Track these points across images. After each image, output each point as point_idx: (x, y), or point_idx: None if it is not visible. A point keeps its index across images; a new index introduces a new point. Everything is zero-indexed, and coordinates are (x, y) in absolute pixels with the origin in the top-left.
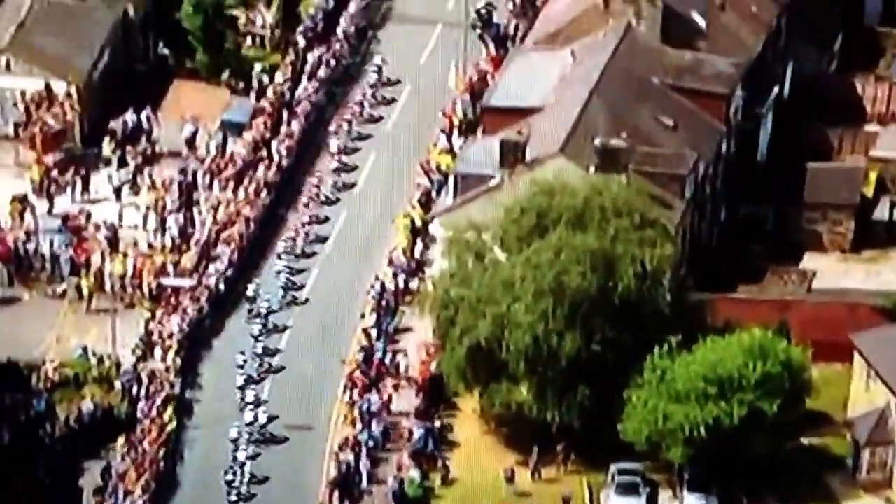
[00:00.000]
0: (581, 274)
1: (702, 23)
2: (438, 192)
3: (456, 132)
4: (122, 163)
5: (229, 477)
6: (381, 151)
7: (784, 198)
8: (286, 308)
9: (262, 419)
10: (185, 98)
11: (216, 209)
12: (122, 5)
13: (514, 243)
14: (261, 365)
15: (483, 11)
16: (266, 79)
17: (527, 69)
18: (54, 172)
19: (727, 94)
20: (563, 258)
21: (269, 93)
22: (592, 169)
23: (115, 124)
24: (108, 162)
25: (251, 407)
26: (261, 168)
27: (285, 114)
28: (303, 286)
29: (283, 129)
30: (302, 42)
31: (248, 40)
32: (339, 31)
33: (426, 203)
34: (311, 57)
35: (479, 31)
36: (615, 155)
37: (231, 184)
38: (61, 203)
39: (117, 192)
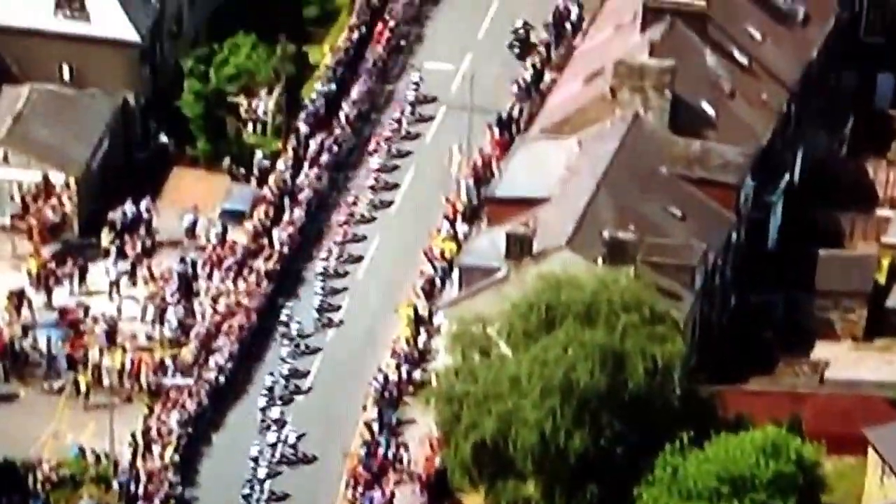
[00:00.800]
0: (590, 371)
1: (711, 111)
2: (442, 280)
3: (460, 218)
4: (121, 254)
5: (246, 491)
6: (385, 236)
7: (795, 285)
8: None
9: (292, 439)
10: (185, 186)
11: (216, 300)
12: (121, 94)
13: (520, 338)
14: (286, 387)
15: (521, 31)
16: (267, 165)
17: (533, 158)
18: (52, 264)
19: (736, 185)
20: (571, 354)
21: (271, 180)
22: (600, 261)
23: (114, 215)
24: (106, 253)
25: (274, 428)
26: (261, 257)
27: (286, 201)
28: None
29: (285, 216)
30: (304, 128)
31: (250, 127)
32: (342, 115)
33: (430, 291)
34: (313, 143)
35: (516, 51)
36: (623, 247)
37: (231, 274)
38: (59, 295)
39: (115, 284)
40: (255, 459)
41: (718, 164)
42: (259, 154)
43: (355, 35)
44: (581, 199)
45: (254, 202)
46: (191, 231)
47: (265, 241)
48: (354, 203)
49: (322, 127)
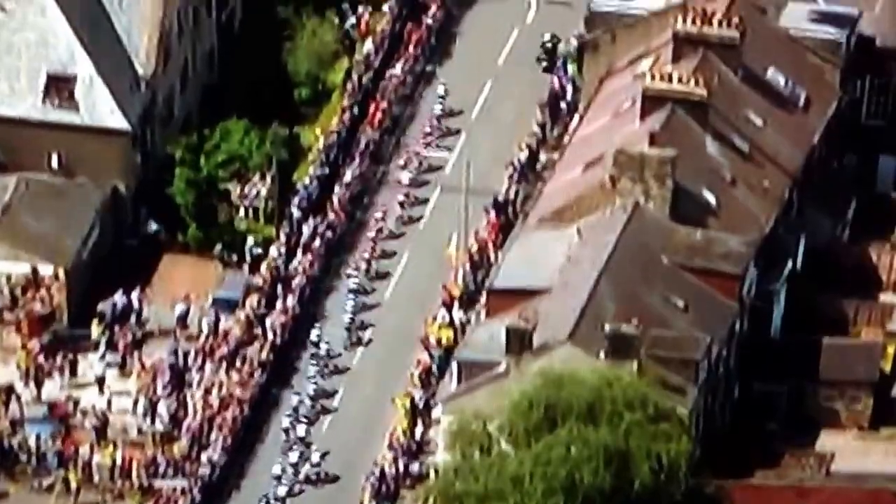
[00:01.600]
0: (594, 470)
1: (712, 200)
2: (440, 370)
3: (456, 305)
4: (111, 346)
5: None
6: (381, 322)
7: (799, 375)
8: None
9: (315, 458)
10: (176, 273)
11: (209, 392)
12: (111, 182)
13: (522, 436)
14: (313, 406)
15: (549, 45)
16: (260, 252)
17: (532, 248)
18: (41, 358)
19: (739, 274)
20: (574, 454)
21: (263, 267)
22: (603, 356)
23: (104, 306)
24: (96, 345)
25: (296, 446)
26: (254, 347)
27: (279, 288)
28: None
29: (278, 304)
30: (296, 213)
31: (241, 212)
32: (335, 199)
33: (427, 380)
34: (306, 228)
35: (543, 64)
36: (626, 341)
37: (224, 364)
38: (48, 389)
39: (105, 377)
40: (278, 478)
41: (721, 253)
42: (251, 240)
43: (347, 117)
44: (582, 291)
45: (246, 290)
46: (182, 320)
47: (258, 330)
48: (383, 218)
49: (315, 211)
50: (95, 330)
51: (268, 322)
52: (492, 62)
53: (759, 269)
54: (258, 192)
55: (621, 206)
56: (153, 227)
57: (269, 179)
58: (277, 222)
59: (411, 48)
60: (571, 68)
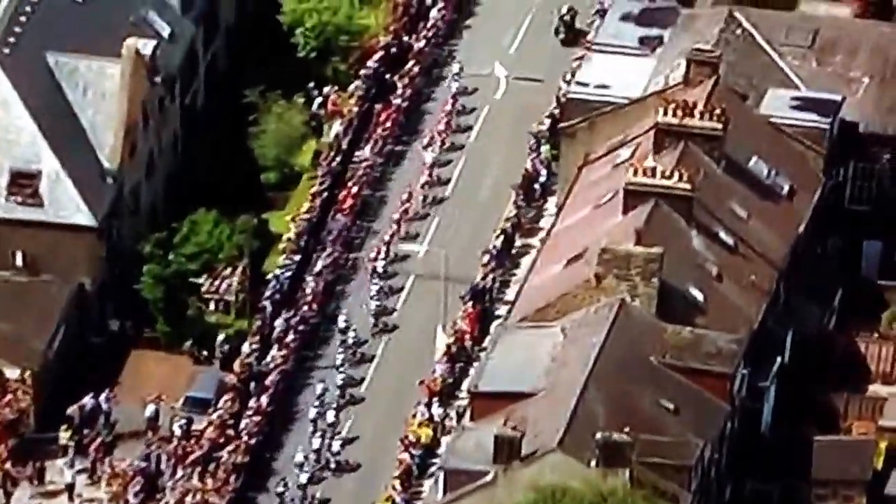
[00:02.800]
0: None
1: (699, 296)
2: (420, 470)
3: (436, 401)
4: (81, 450)
5: (280, 489)
6: (357, 421)
7: (792, 473)
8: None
9: (336, 447)
10: (145, 370)
11: (182, 498)
12: (77, 279)
13: None
14: (342, 396)
15: (567, 18)
16: (232, 347)
17: (515, 349)
18: (8, 465)
19: (730, 374)
20: None
21: (236, 365)
22: (594, 464)
23: (73, 410)
24: (65, 450)
25: (319, 434)
26: (229, 449)
27: (253, 386)
28: None
29: (252, 403)
30: (268, 306)
31: (212, 306)
32: (307, 289)
33: (407, 481)
34: (279, 321)
35: (561, 36)
36: (618, 450)
37: (198, 468)
38: (17, 497)
39: (75, 484)
40: (301, 465)
41: (710, 352)
42: (222, 335)
43: (318, 203)
44: (570, 395)
45: (219, 389)
46: (153, 422)
47: (232, 431)
48: (408, 199)
49: (287, 303)
50: (64, 435)
51: (242, 423)
52: (464, 137)
53: (749, 365)
54: (229, 285)
55: (606, 305)
56: (115, 325)
57: (239, 272)
58: (249, 316)
59: (381, 129)
60: (544, 149)
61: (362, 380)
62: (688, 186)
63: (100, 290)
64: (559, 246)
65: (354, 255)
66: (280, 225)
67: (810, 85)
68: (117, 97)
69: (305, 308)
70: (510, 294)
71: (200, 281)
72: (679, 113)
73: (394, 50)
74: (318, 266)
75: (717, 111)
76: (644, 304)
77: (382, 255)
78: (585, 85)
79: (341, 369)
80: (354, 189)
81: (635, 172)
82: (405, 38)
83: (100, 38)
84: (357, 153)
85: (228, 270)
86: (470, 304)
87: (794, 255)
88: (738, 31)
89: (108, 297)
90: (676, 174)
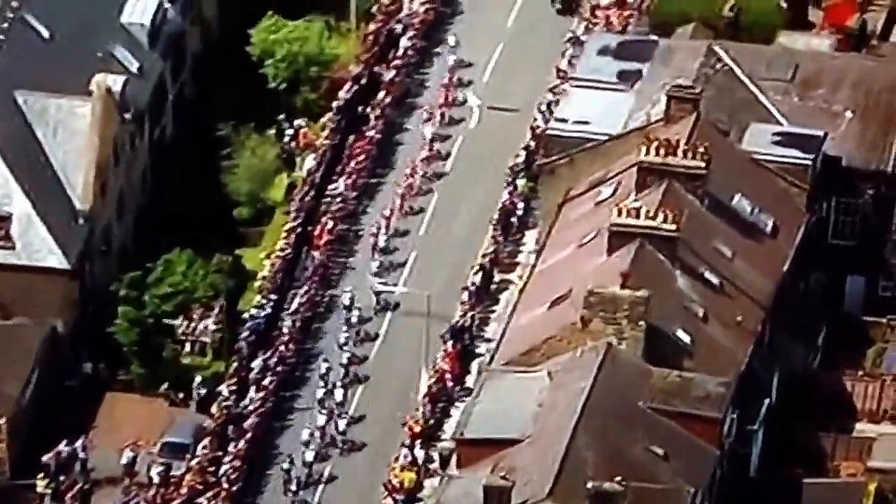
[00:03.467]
0: None
1: (686, 339)
2: None
3: (419, 443)
4: (57, 498)
5: (286, 466)
6: (339, 472)
7: None
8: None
9: (341, 426)
10: (120, 414)
11: None
12: (50, 321)
13: None
14: (346, 374)
15: None
16: (209, 389)
17: (501, 394)
18: None
19: (719, 418)
20: None
21: (214, 408)
22: None
23: (49, 458)
24: (42, 498)
25: (325, 411)
26: (209, 495)
27: (231, 430)
28: None
29: (231, 448)
30: (245, 347)
31: (188, 347)
32: (284, 329)
33: None
34: (256, 363)
35: (557, 6)
36: (610, 499)
37: None
38: None
39: None
40: (307, 444)
41: (699, 396)
42: (198, 378)
43: (292, 239)
44: (559, 442)
45: (196, 433)
46: (130, 468)
47: (212, 477)
48: (411, 175)
49: (264, 344)
50: (41, 483)
51: (222, 469)
52: (440, 167)
53: (737, 408)
54: (205, 327)
55: (593, 348)
56: (88, 368)
57: (215, 312)
58: (226, 357)
59: (354, 163)
60: (521, 183)
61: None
62: (673, 227)
63: (73, 333)
64: (542, 286)
65: (331, 292)
66: (254, 261)
67: (792, 120)
68: (88, 136)
69: (283, 348)
70: (490, 331)
71: (176, 322)
72: (662, 151)
73: (364, 80)
74: (295, 304)
75: (701, 149)
76: (631, 348)
77: (383, 231)
78: (565, 121)
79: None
80: (329, 224)
81: (619, 213)
82: (376, 68)
83: (68, 74)
84: (330, 187)
85: (204, 311)
86: (450, 343)
87: (780, 294)
88: (718, 66)
89: (81, 340)
90: (661, 215)
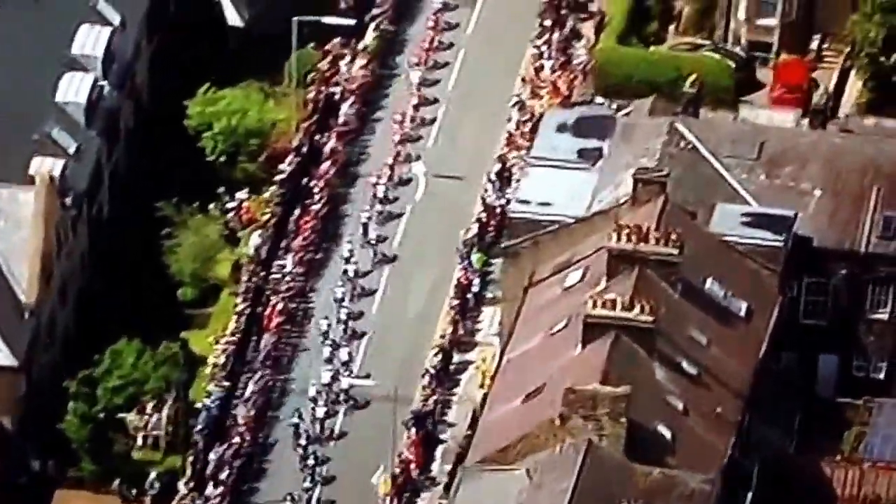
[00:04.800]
0: None
1: (667, 433)
2: None
3: None
4: None
5: (295, 420)
6: None
7: None
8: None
9: (344, 383)
10: None
11: None
12: None
13: None
14: (345, 331)
15: None
16: (163, 484)
17: (480, 494)
18: None
19: None
20: None
21: None
22: None
23: None
24: None
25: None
26: None
27: None
28: None
29: None
30: (200, 440)
31: (140, 441)
32: (239, 419)
33: None
34: (212, 456)
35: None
36: None
37: None
38: None
39: None
40: (314, 399)
41: (682, 494)
42: (152, 474)
43: (242, 321)
44: None
45: None
46: None
47: None
48: (402, 121)
49: (220, 435)
50: None
51: None
52: (387, 247)
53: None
54: (157, 420)
55: (573, 446)
56: (37, 464)
57: (167, 405)
58: (182, 450)
59: (300, 239)
60: (475, 257)
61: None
62: (649, 319)
63: (20, 429)
64: (514, 377)
65: (284, 376)
66: (202, 345)
67: (760, 199)
68: (32, 226)
69: (238, 439)
70: (452, 415)
71: (128, 416)
72: (633, 238)
73: (305, 149)
74: (248, 391)
75: (673, 236)
76: (612, 445)
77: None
78: (527, 202)
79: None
80: (279, 305)
81: (594, 305)
82: (317, 136)
83: (5, 159)
84: (277, 264)
85: (156, 403)
86: (413, 430)
87: (757, 381)
88: (682, 144)
89: (28, 436)
90: (637, 306)
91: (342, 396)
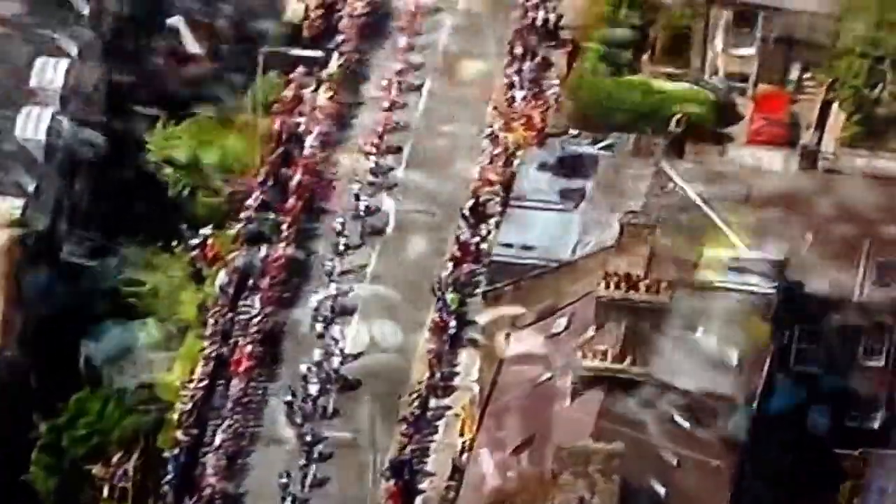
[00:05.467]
0: None
1: (660, 490)
2: None
3: None
4: None
5: (289, 398)
6: None
7: None
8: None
9: (335, 363)
10: None
11: None
12: None
13: None
14: (332, 308)
15: None
16: None
17: None
18: None
19: None
20: None
21: None
22: None
23: None
24: None
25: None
26: None
27: None
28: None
29: None
30: (169, 491)
31: (106, 492)
32: (208, 469)
33: None
34: None
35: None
36: None
37: None
38: None
39: None
40: (305, 378)
41: None
42: None
43: (209, 366)
44: None
45: None
46: None
47: None
48: (388, 87)
49: (189, 487)
50: None
51: None
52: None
53: None
54: (124, 471)
55: (564, 503)
56: None
57: (135, 456)
58: (152, 502)
59: (268, 278)
60: (450, 297)
61: None
62: (642, 370)
63: None
64: (499, 429)
65: (254, 423)
66: (167, 391)
67: (749, 243)
68: None
69: (208, 490)
70: (431, 464)
71: (94, 468)
72: (622, 286)
73: (271, 182)
74: (218, 440)
75: (664, 284)
76: (604, 502)
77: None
78: (510, 246)
79: None
80: (248, 348)
81: (584, 356)
82: (283, 170)
83: None
84: (244, 305)
85: (122, 453)
86: (391, 481)
87: (752, 432)
88: (669, 186)
89: None
90: (629, 357)
91: (334, 376)
